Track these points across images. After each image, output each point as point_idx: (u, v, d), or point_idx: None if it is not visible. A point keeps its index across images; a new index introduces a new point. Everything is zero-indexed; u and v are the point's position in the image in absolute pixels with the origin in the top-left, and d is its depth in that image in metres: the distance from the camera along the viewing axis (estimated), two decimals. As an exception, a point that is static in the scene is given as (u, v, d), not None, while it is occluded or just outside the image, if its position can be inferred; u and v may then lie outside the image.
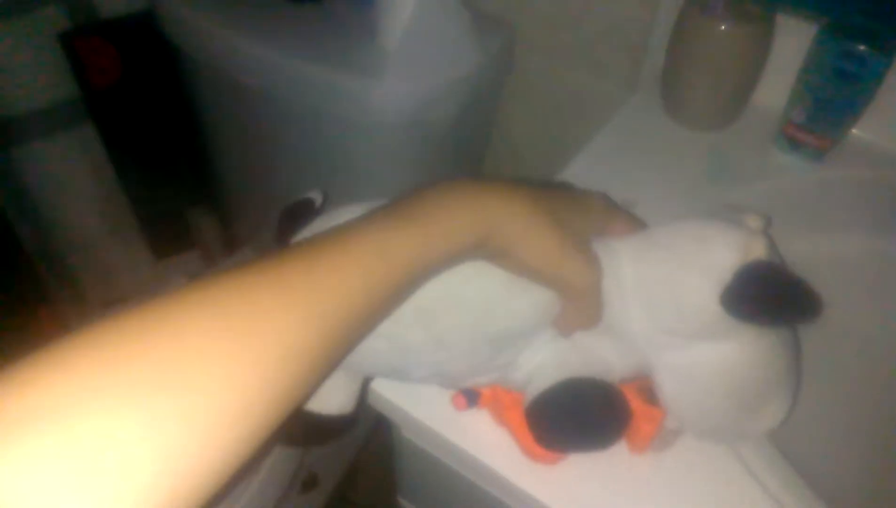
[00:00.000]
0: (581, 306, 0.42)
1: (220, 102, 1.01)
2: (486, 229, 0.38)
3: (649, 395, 0.46)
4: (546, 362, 0.44)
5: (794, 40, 0.67)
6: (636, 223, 0.47)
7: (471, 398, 0.49)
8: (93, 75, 1.11)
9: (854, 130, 0.70)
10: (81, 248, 1.30)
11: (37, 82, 1.11)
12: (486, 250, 0.39)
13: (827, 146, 0.68)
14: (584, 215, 0.43)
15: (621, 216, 0.46)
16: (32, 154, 1.16)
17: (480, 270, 0.41)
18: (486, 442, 0.49)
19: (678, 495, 0.47)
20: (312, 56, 0.83)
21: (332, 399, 0.48)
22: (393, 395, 0.52)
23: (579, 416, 0.43)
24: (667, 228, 0.44)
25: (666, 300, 0.42)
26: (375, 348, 0.42)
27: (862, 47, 0.61)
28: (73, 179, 1.23)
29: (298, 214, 0.48)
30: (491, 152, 1.08)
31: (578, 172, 0.69)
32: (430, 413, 0.50)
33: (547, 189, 0.43)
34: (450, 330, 0.42)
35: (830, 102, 0.65)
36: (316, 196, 0.50)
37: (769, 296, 0.41)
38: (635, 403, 0.46)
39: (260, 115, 0.95)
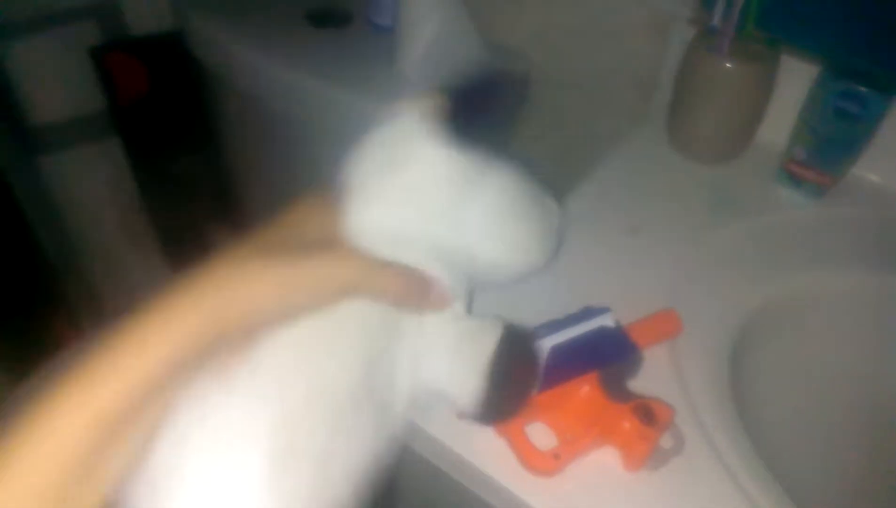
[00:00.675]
0: (389, 287, 0.39)
1: (243, 121, 1.04)
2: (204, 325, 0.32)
3: (645, 415, 0.48)
4: (433, 357, 0.42)
5: (797, 80, 0.70)
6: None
7: None
8: (120, 90, 1.15)
9: (855, 169, 0.72)
10: (101, 258, 1.33)
11: (66, 94, 1.15)
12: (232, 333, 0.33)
13: (827, 183, 0.70)
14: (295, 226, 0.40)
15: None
16: (57, 163, 1.20)
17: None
18: (481, 451, 0.50)
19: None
20: (333, 79, 0.86)
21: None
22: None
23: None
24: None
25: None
26: None
27: (863, 89, 0.64)
28: (95, 190, 1.26)
29: None
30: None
31: (583, 200, 0.71)
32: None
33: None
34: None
35: (831, 140, 0.67)
36: None
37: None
38: (630, 423, 0.47)
39: (282, 136, 0.98)
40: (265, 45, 0.91)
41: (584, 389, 0.49)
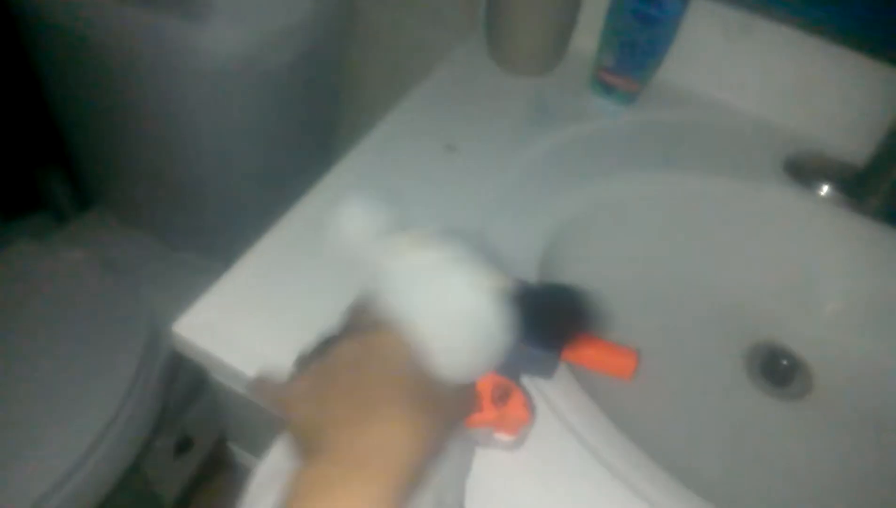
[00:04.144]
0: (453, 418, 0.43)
1: (54, 53, 0.96)
2: None
3: (500, 396, 0.46)
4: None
5: (603, -15, 0.70)
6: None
7: None
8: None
9: (662, 74, 0.73)
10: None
11: None
12: None
13: (635, 89, 0.72)
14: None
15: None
16: None
17: None
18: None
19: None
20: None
21: None
22: (199, 339, 0.52)
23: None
24: None
25: None
26: None
27: (659, -9, 0.64)
28: None
29: None
30: (346, 100, 1.07)
31: (400, 118, 0.70)
32: (234, 355, 0.51)
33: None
34: None
35: (634, 45, 0.68)
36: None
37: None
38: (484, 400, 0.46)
39: (94, 65, 0.90)
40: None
41: None
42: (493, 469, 0.47)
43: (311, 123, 1.03)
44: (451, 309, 0.41)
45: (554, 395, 0.50)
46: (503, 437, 0.46)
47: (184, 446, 1.31)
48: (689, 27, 0.69)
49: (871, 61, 0.66)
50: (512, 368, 0.46)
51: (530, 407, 0.46)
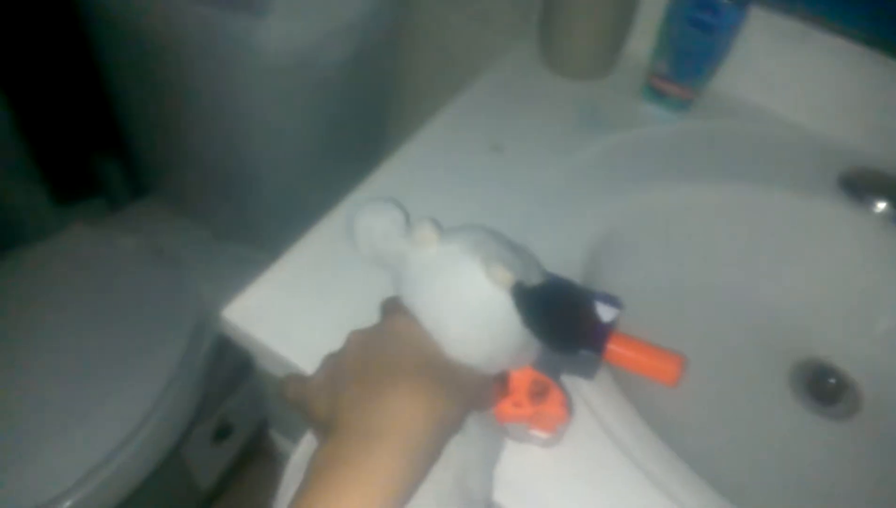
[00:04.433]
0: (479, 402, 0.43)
1: (117, 44, 0.99)
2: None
3: (538, 392, 0.46)
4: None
5: (659, -8, 0.69)
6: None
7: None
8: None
9: (718, 83, 0.72)
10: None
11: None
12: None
13: (689, 97, 0.71)
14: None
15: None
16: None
17: None
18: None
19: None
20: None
21: None
22: (248, 325, 0.53)
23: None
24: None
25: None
26: None
27: (717, -1, 0.64)
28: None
29: None
30: (395, 99, 1.08)
31: (448, 118, 0.70)
32: (281, 342, 0.52)
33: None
34: None
35: (689, 52, 0.68)
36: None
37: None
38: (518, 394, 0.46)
39: (155, 57, 0.93)
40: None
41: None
42: (525, 464, 0.47)
43: (362, 120, 1.04)
44: (458, 298, 0.42)
45: (591, 395, 0.50)
46: (539, 433, 0.46)
47: (223, 433, 1.33)
48: (745, 36, 0.68)
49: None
50: (552, 366, 0.47)
51: (568, 406, 0.46)
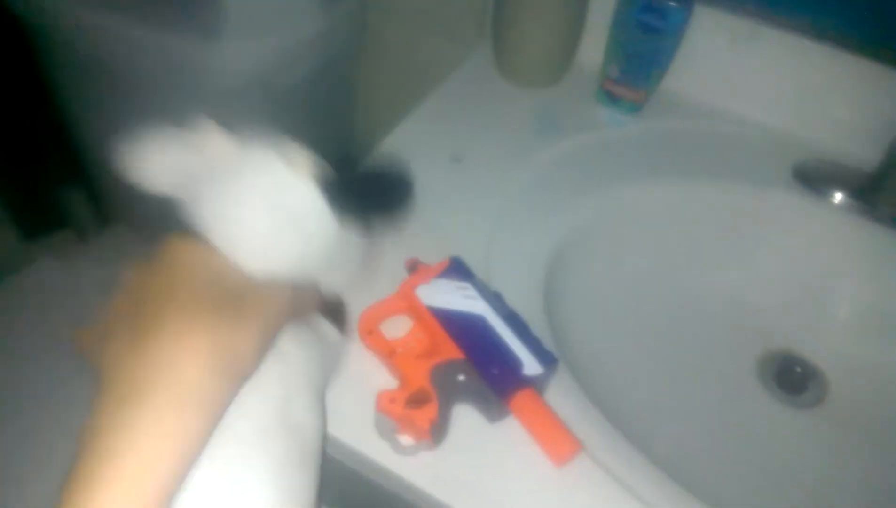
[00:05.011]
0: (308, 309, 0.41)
1: (72, 73, 0.98)
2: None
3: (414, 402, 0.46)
4: None
5: (607, -3, 0.70)
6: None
7: None
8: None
9: (667, 83, 0.73)
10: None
11: None
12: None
13: (641, 99, 0.72)
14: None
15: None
16: None
17: None
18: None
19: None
20: (147, 19, 0.81)
21: None
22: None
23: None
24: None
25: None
26: None
27: (662, 1, 0.64)
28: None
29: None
30: (357, 114, 1.08)
31: (407, 131, 0.71)
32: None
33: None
34: None
35: (639, 55, 0.68)
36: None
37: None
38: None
39: (108, 85, 0.92)
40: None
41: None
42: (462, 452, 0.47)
43: (325, 137, 1.04)
44: (258, 194, 0.37)
45: (551, 393, 0.50)
46: (401, 438, 0.46)
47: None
48: (693, 36, 0.69)
49: (879, 65, 0.66)
50: (452, 389, 0.47)
51: (434, 430, 0.45)
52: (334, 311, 0.45)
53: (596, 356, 0.59)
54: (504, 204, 0.64)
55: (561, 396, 0.49)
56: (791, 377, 0.65)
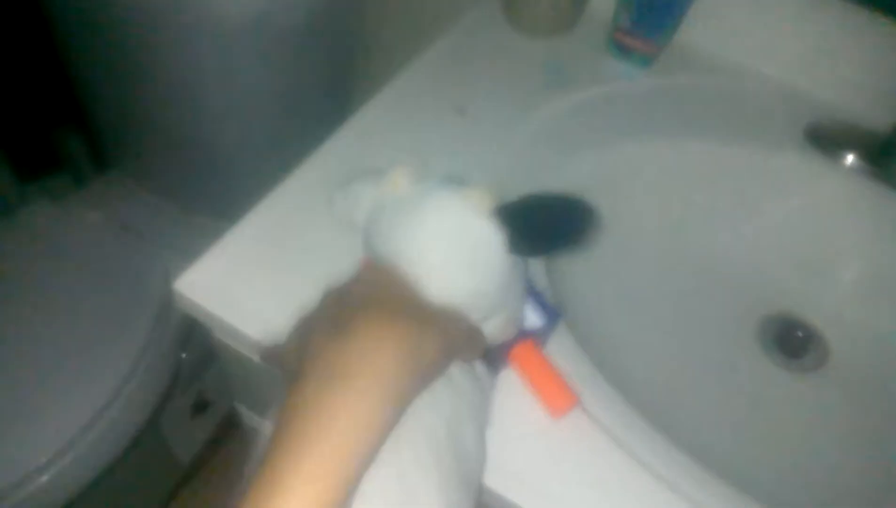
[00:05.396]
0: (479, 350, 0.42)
1: (74, 15, 0.95)
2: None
3: None
4: None
5: (622, -57, 0.67)
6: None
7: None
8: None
9: (681, 36, 0.71)
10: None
11: None
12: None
13: (654, 51, 0.69)
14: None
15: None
16: None
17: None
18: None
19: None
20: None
21: None
22: (200, 297, 0.52)
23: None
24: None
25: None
26: None
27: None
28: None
29: None
30: (361, 61, 1.06)
31: (410, 80, 0.69)
32: (234, 313, 0.50)
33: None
34: None
35: (651, 5, 0.66)
36: None
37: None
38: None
39: (109, 25, 0.90)
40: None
41: None
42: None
43: (326, 84, 1.02)
44: (437, 227, 0.40)
45: (553, 351, 0.49)
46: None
47: (200, 407, 1.33)
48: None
49: (898, 25, 0.63)
50: None
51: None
52: (490, 354, 0.45)
53: (595, 314, 0.58)
54: (507, 157, 0.62)
55: (560, 352, 0.49)
56: (792, 341, 0.64)
